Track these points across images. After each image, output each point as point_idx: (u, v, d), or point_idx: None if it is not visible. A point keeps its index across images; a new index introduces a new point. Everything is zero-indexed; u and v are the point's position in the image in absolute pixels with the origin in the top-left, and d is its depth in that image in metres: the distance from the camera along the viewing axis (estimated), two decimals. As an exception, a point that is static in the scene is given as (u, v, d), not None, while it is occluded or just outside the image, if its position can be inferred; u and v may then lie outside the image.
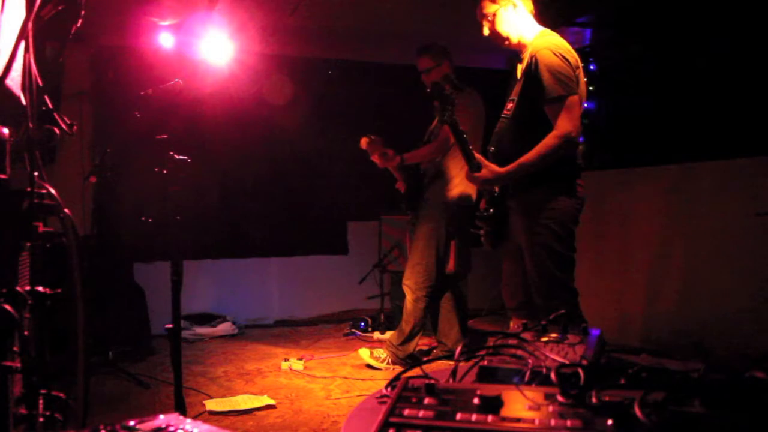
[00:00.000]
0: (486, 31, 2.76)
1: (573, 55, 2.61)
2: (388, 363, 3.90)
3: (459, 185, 3.89)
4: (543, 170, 2.59)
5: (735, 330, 3.66)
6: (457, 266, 4.51)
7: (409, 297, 3.93)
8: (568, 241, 2.66)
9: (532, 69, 2.58)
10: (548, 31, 2.73)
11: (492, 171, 2.60)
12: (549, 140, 2.52)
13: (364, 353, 3.96)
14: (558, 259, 2.63)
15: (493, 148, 2.72)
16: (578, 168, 2.70)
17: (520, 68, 2.74)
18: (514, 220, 2.74)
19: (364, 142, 3.98)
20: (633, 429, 0.87)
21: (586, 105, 2.77)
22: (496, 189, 2.76)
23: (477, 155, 2.64)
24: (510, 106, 2.72)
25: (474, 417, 0.90)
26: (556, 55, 2.55)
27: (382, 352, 3.95)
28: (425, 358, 4.11)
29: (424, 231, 3.91)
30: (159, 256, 4.23)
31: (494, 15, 2.71)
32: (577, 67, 2.61)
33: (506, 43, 2.76)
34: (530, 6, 2.78)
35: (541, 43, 2.63)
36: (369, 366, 3.94)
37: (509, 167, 2.59)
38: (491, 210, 2.77)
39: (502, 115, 2.77)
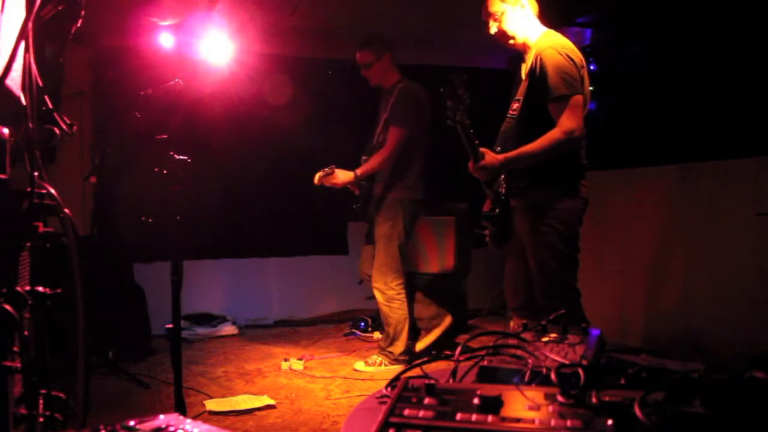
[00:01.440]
0: (492, 30, 2.76)
1: (578, 55, 2.62)
2: (385, 365, 3.90)
3: (411, 181, 3.91)
4: (547, 170, 2.61)
5: (735, 330, 3.66)
6: (456, 264, 4.52)
7: (380, 299, 3.93)
8: (572, 240, 2.67)
9: (537, 69, 2.59)
10: (552, 31, 2.74)
11: (494, 158, 2.61)
12: (552, 135, 2.54)
13: (360, 365, 3.94)
14: (561, 259, 2.64)
15: (499, 148, 2.73)
16: (583, 168, 2.71)
17: (524, 69, 2.74)
18: (518, 219, 2.75)
19: (317, 181, 3.88)
20: (633, 429, 0.87)
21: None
22: (502, 189, 2.76)
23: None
24: (516, 106, 2.73)
25: (474, 417, 0.90)
26: (561, 54, 2.56)
27: (376, 358, 3.95)
28: (418, 346, 4.15)
29: (384, 231, 3.91)
30: (159, 256, 4.23)
31: (502, 14, 2.71)
32: (582, 67, 2.62)
33: (511, 42, 2.76)
34: (536, 7, 2.78)
35: (545, 43, 2.64)
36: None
37: (510, 154, 2.60)
38: (497, 210, 2.78)
39: (508, 115, 2.78)
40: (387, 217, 3.90)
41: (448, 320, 4.20)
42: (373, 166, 3.87)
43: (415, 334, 4.29)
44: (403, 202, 3.90)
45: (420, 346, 4.16)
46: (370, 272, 4.05)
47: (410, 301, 4.12)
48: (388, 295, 3.91)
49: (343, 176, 3.84)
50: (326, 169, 3.86)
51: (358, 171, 3.86)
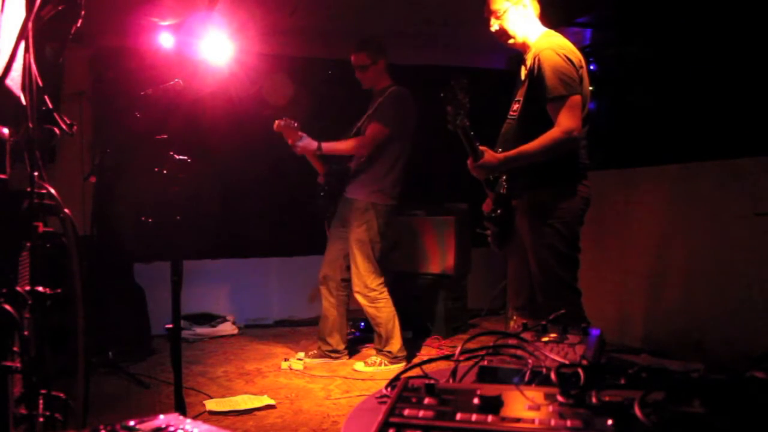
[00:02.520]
0: (493, 27, 2.76)
1: (577, 56, 2.62)
2: (384, 365, 3.90)
3: (387, 186, 3.91)
4: (548, 170, 2.61)
5: (735, 330, 3.66)
6: (456, 264, 4.51)
7: (364, 302, 3.92)
8: (573, 241, 2.68)
9: (536, 70, 2.60)
10: (552, 32, 2.74)
11: (494, 156, 2.62)
12: (551, 134, 2.54)
13: (360, 366, 3.94)
14: (562, 259, 2.64)
15: (500, 149, 2.73)
16: (584, 168, 2.71)
17: (523, 70, 2.74)
18: (519, 219, 2.75)
19: (276, 125, 3.78)
20: (633, 429, 0.86)
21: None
22: (503, 190, 2.76)
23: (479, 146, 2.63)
24: (516, 107, 2.74)
25: (474, 417, 0.90)
26: (559, 55, 2.56)
27: (375, 358, 3.96)
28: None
29: (360, 234, 3.89)
30: (159, 256, 4.22)
31: (504, 12, 2.71)
32: (581, 67, 2.63)
33: (510, 41, 2.76)
34: (537, 8, 2.79)
35: (544, 43, 2.64)
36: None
37: (508, 153, 2.61)
38: (498, 211, 2.78)
39: (508, 116, 2.78)
40: (361, 221, 3.88)
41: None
42: (340, 147, 3.84)
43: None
44: (376, 206, 3.88)
45: (307, 360, 4.11)
46: (329, 272, 4.04)
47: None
48: (371, 296, 3.90)
49: (305, 142, 3.75)
50: (287, 119, 3.75)
51: (324, 144, 3.80)
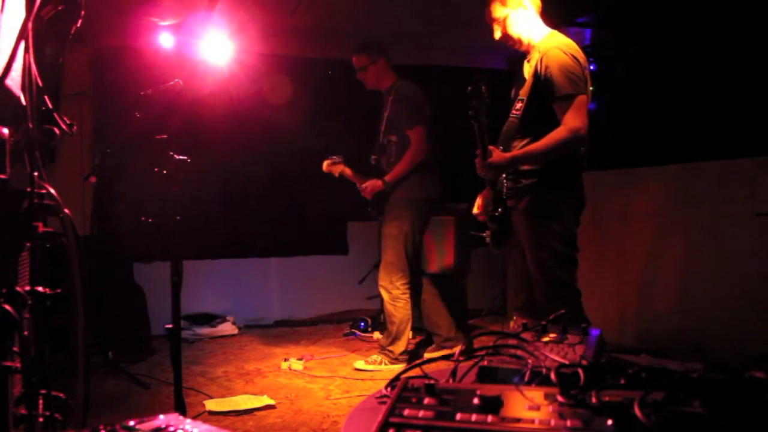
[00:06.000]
0: (497, 35, 2.76)
1: (581, 56, 2.62)
2: (385, 364, 3.90)
3: (423, 181, 3.92)
4: (544, 171, 2.61)
5: (735, 330, 3.66)
6: (456, 264, 4.50)
7: (386, 297, 3.94)
8: (570, 241, 2.68)
9: (542, 69, 2.59)
10: (556, 32, 2.74)
11: (502, 156, 2.62)
12: (558, 133, 2.54)
13: (360, 364, 3.94)
14: (560, 259, 2.64)
15: (501, 147, 2.73)
16: (580, 169, 2.71)
17: (527, 68, 2.74)
18: (516, 219, 2.75)
19: (325, 166, 4.09)
20: (633, 429, 0.87)
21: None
22: (504, 190, 2.76)
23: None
24: (519, 105, 2.73)
25: (474, 417, 0.90)
26: (566, 54, 2.57)
27: (376, 357, 3.96)
28: (426, 355, 4.11)
29: (392, 230, 3.92)
30: (159, 256, 4.23)
31: (505, 18, 2.71)
32: (585, 68, 2.62)
33: (516, 46, 2.77)
34: (538, 5, 2.78)
35: (551, 43, 2.64)
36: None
37: (516, 152, 2.62)
38: (500, 209, 2.78)
39: (511, 115, 2.78)
40: (393, 216, 3.92)
41: (459, 348, 4.17)
42: (401, 170, 3.86)
43: (428, 340, 4.31)
44: (409, 201, 3.90)
45: (428, 356, 4.14)
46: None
47: (417, 302, 4.14)
48: (394, 294, 3.91)
49: (371, 184, 3.90)
50: (334, 158, 4.01)
51: (387, 178, 3.87)
